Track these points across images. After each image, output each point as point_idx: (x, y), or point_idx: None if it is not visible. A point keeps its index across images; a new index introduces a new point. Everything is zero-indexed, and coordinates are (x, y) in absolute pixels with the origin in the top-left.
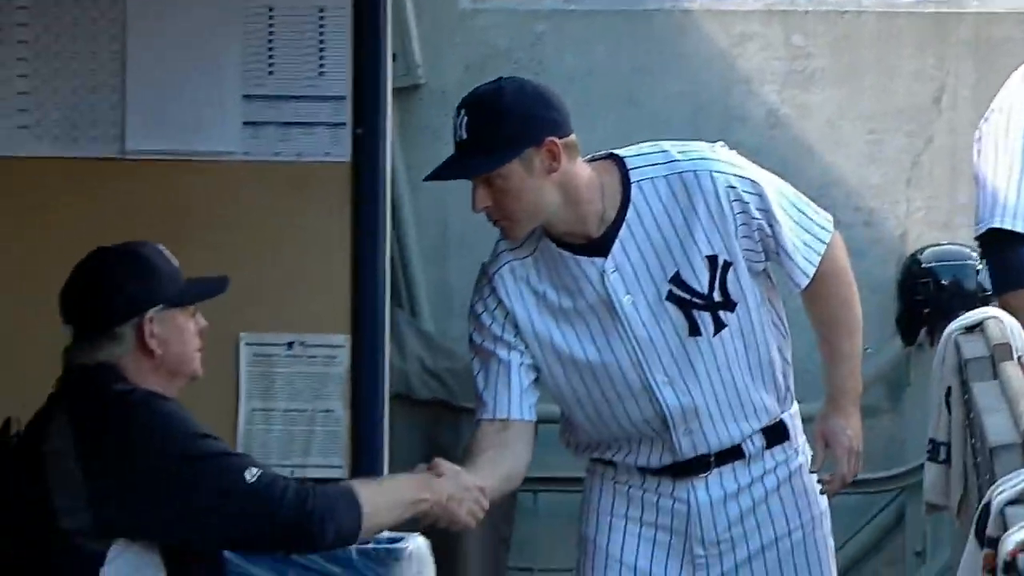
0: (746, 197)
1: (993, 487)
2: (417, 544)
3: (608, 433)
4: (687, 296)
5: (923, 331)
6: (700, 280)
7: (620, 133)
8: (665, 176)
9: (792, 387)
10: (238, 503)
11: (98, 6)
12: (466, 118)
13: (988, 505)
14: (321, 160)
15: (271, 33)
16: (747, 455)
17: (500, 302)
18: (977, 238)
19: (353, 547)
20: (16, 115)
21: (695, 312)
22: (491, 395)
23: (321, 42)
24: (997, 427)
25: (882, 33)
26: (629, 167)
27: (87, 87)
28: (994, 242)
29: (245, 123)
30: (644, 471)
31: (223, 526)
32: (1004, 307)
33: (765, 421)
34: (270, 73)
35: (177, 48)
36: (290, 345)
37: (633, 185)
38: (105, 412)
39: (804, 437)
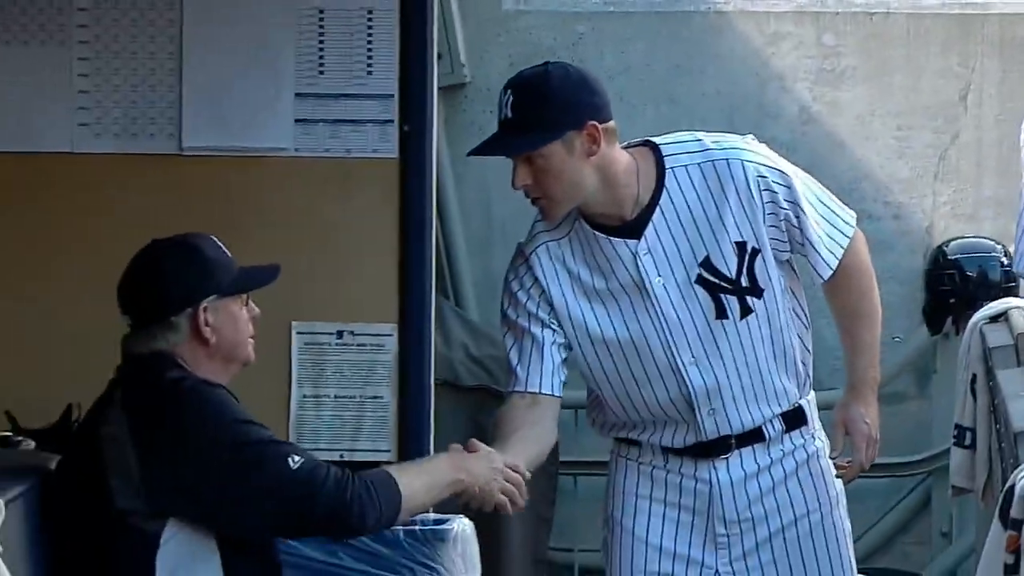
0: (775, 187)
1: (1017, 471)
2: (462, 525)
3: (635, 412)
4: (716, 280)
5: (949, 320)
6: (729, 265)
7: (658, 129)
8: (699, 163)
9: (811, 375)
10: (282, 489)
11: (156, 9)
12: (512, 98)
13: (1012, 488)
14: (369, 156)
15: (321, 34)
16: (767, 437)
17: (536, 280)
18: None
19: (400, 528)
20: (77, 113)
21: (723, 296)
22: (524, 369)
23: (370, 42)
24: (1021, 413)
25: (910, 33)
26: (664, 153)
27: (145, 86)
28: None
29: (297, 120)
30: (667, 451)
31: (267, 511)
32: None
33: (785, 406)
34: (321, 72)
35: (231, 49)
36: (340, 334)
37: (667, 171)
38: (158, 400)
39: (820, 423)
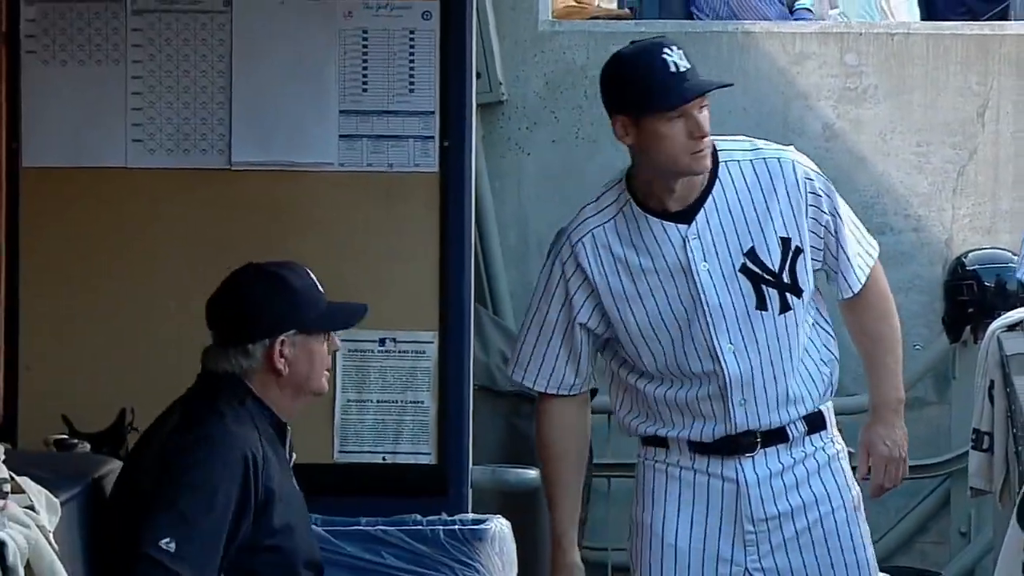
0: (820, 192)
1: None
2: (500, 525)
3: (670, 399)
4: (759, 271)
5: (967, 329)
6: (772, 258)
7: None
8: (751, 160)
9: (834, 383)
10: (135, 543)
11: (206, 30)
12: (681, 51)
13: None
14: (411, 170)
15: (365, 53)
16: (790, 438)
17: (578, 266)
18: None
19: (440, 527)
20: (131, 129)
21: (764, 287)
22: (574, 371)
23: (411, 62)
24: None
25: (929, 53)
26: (718, 148)
27: (196, 104)
28: None
29: (341, 136)
30: (695, 448)
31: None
32: None
33: (809, 408)
34: (364, 90)
35: (278, 68)
36: (382, 341)
37: (721, 163)
38: (190, 423)
39: (837, 428)
